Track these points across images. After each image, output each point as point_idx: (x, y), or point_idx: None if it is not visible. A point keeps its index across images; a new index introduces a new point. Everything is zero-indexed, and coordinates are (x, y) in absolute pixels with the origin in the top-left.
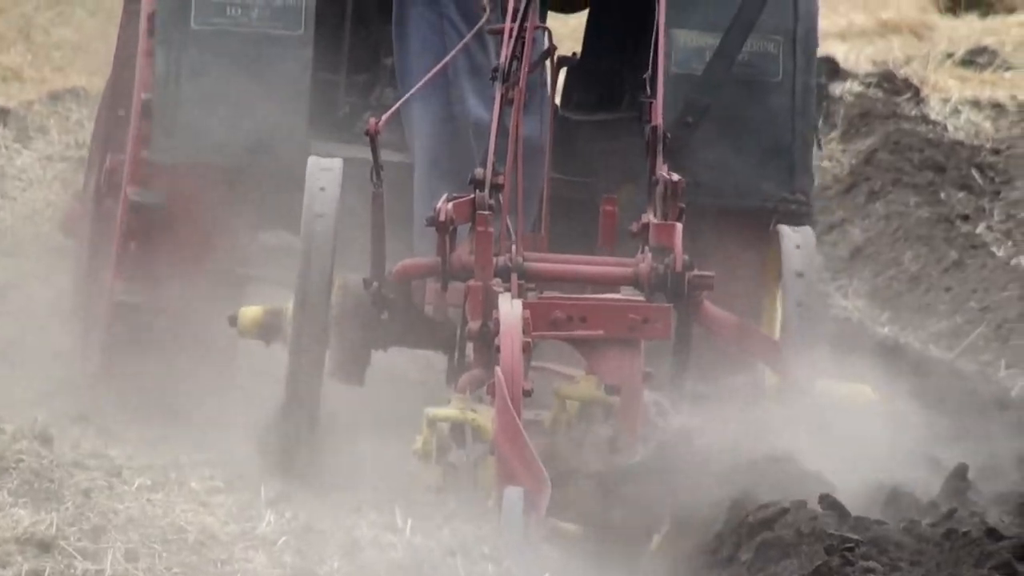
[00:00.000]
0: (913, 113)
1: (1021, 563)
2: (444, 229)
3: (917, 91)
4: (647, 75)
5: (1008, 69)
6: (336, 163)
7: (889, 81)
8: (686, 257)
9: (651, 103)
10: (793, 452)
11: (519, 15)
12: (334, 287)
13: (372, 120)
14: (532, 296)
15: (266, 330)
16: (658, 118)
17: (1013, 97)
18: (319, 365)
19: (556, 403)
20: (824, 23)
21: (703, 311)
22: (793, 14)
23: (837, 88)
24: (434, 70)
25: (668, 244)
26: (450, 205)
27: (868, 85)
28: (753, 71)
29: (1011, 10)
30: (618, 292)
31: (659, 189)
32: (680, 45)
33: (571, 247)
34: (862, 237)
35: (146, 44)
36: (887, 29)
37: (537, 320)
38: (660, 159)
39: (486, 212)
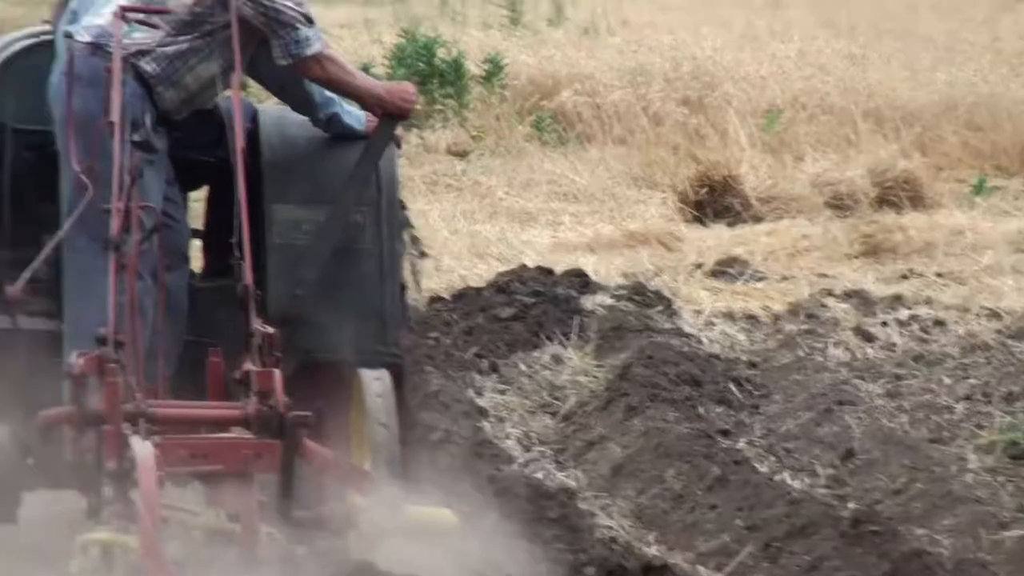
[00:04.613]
0: (666, 326)
1: None
2: (77, 382)
3: (669, 303)
4: (233, 240)
5: (760, 280)
6: None
7: (640, 294)
8: (286, 399)
9: (239, 263)
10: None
11: (125, 193)
12: None
13: (9, 288)
14: (157, 438)
15: None
16: (248, 277)
17: (766, 308)
18: None
19: (183, 533)
20: (571, 235)
21: (303, 447)
22: (377, 187)
23: (588, 301)
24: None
25: (268, 388)
26: (81, 360)
27: (619, 298)
28: (345, 240)
29: (758, 219)
30: (231, 432)
31: (255, 341)
32: (280, 219)
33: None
34: (622, 454)
35: None
36: (635, 240)
37: (165, 457)
38: (253, 314)
39: (112, 365)
